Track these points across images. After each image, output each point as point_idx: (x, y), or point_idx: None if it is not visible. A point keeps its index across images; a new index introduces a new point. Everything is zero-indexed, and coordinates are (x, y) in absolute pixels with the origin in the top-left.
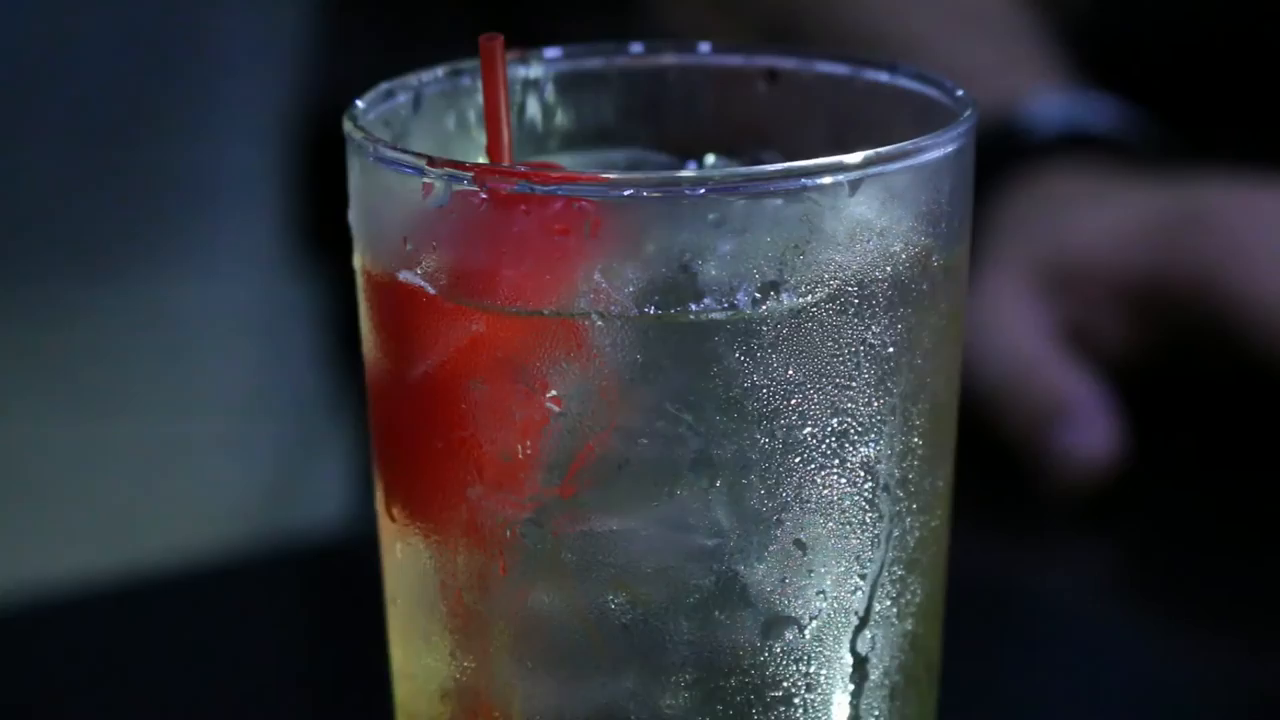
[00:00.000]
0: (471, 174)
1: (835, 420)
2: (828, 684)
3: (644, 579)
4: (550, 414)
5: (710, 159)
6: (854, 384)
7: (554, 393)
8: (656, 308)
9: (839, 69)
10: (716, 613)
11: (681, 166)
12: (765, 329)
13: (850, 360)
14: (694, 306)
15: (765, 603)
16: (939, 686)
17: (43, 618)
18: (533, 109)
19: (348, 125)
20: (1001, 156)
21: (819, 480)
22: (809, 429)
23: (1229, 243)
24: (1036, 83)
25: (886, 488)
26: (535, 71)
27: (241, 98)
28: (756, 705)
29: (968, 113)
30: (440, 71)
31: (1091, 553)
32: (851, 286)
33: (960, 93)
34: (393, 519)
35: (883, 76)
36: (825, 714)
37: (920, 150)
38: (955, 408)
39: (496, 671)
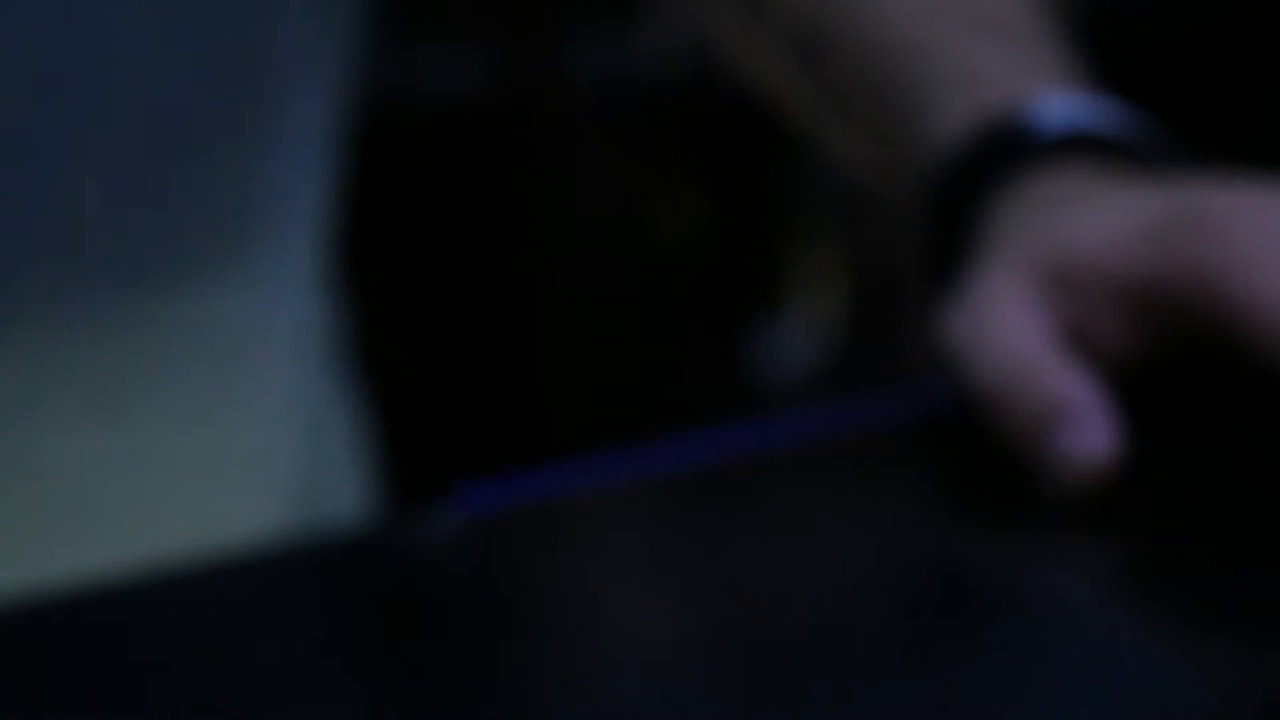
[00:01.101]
0: None
1: None
2: None
3: None
4: None
5: None
6: None
7: None
8: None
9: None
10: None
11: None
12: None
13: None
14: None
15: None
16: None
17: (58, 620)
18: None
19: None
20: (1004, 156)
21: None
22: None
23: (1229, 247)
24: (1044, 84)
25: None
26: None
27: (296, 120)
28: None
29: None
30: None
31: (1091, 553)
32: None
33: None
34: None
35: None
36: None
37: None
38: None
39: None
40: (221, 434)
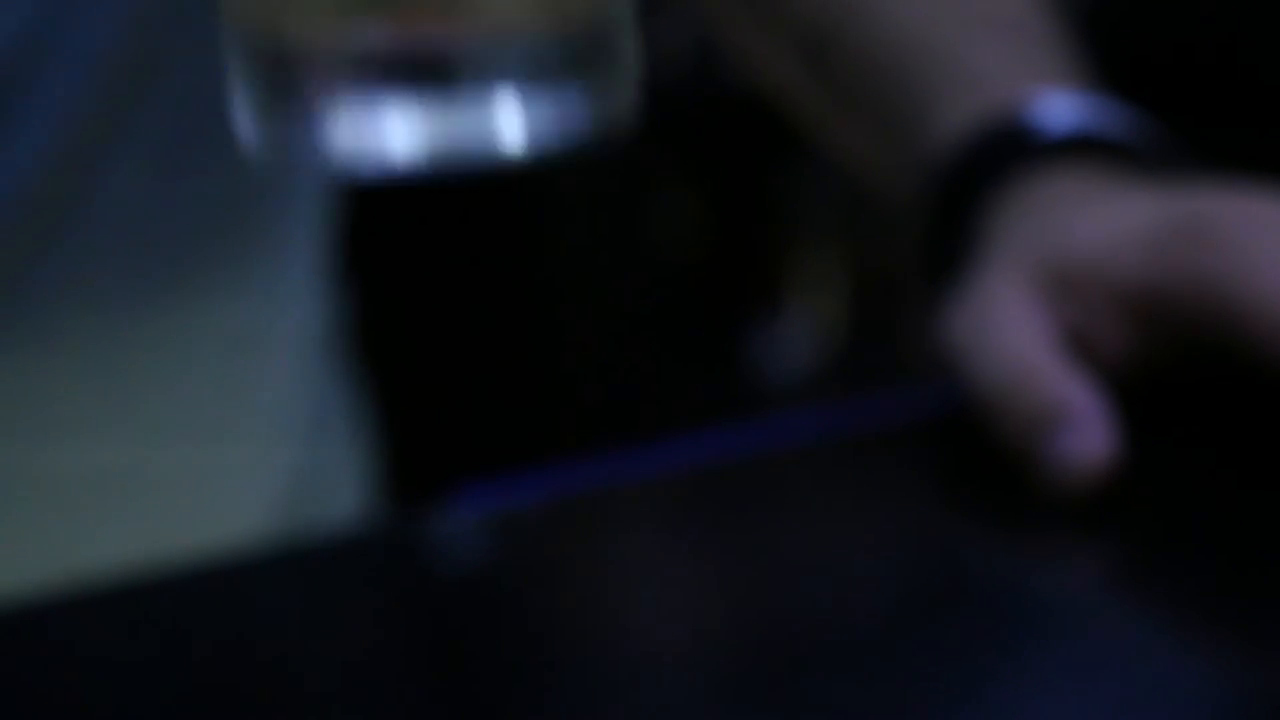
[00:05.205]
0: None
1: None
2: None
3: None
4: None
5: None
6: None
7: None
8: None
9: None
10: None
11: None
12: None
13: None
14: None
15: None
16: None
17: (54, 619)
18: None
19: None
20: (1005, 157)
21: None
22: None
23: (1231, 256)
24: (1047, 84)
25: None
26: None
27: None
28: None
29: None
30: None
31: (1091, 553)
32: None
33: None
34: None
35: None
36: None
37: None
38: None
39: None
40: (221, 440)
